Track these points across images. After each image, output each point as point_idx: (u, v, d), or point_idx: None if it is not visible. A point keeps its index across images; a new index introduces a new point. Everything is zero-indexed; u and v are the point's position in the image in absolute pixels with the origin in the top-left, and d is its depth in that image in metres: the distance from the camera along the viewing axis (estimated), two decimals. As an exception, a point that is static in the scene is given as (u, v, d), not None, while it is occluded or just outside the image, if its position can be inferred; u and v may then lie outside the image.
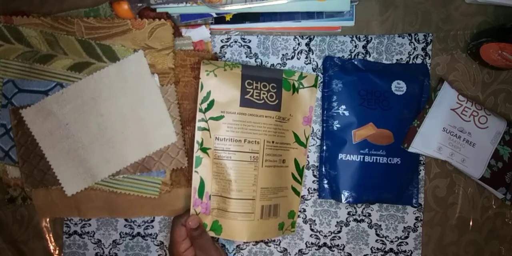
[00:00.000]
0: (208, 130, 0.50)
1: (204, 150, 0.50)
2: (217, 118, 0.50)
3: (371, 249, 0.57)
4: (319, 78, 0.55)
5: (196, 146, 0.50)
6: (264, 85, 0.51)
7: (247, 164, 0.51)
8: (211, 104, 0.50)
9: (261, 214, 0.51)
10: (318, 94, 0.56)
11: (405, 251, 0.57)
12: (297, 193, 0.55)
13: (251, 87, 0.51)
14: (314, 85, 0.54)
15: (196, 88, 0.52)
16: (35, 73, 0.52)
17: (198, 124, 0.50)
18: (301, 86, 0.54)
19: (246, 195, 0.51)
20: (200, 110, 0.50)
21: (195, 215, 0.50)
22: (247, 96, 0.51)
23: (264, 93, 0.51)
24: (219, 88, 0.50)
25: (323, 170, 0.56)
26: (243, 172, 0.51)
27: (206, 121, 0.50)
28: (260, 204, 0.51)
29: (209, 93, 0.50)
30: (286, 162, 0.54)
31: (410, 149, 0.54)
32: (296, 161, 0.55)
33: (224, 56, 0.56)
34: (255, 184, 0.51)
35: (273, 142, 0.52)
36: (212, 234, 0.50)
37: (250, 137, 0.51)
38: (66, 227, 0.57)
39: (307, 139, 0.55)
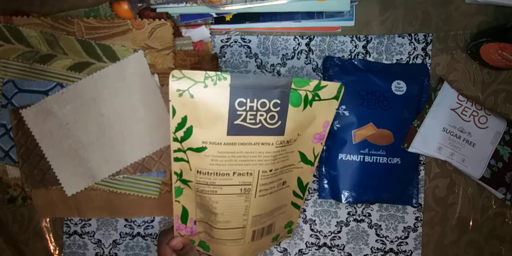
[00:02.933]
0: (188, 161, 0.40)
1: (184, 181, 0.42)
2: (197, 150, 0.39)
3: (371, 249, 0.57)
4: (343, 87, 0.42)
5: (174, 177, 0.42)
6: (263, 103, 0.39)
7: (237, 196, 0.43)
8: (188, 133, 0.39)
9: (252, 238, 0.46)
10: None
11: (405, 251, 0.57)
12: (297, 206, 0.50)
13: (243, 108, 0.38)
14: (336, 97, 0.42)
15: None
16: (35, 73, 0.52)
17: (174, 154, 0.40)
18: (316, 98, 0.41)
19: (235, 224, 0.44)
20: (175, 139, 0.39)
21: (178, 237, 0.46)
22: (238, 122, 0.39)
23: (261, 115, 0.39)
24: (198, 112, 0.38)
25: (323, 170, 0.56)
26: (232, 204, 0.43)
27: (184, 152, 0.40)
28: (252, 229, 0.46)
29: (185, 119, 0.38)
30: (286, 183, 0.47)
31: (410, 149, 0.54)
32: (299, 179, 0.48)
33: (224, 56, 0.56)
34: (246, 214, 0.44)
35: (270, 170, 0.42)
36: (200, 249, 0.48)
37: (240, 169, 0.41)
38: (66, 227, 0.57)
39: (316, 157, 0.46)
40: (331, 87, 0.41)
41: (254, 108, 0.39)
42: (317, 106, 0.42)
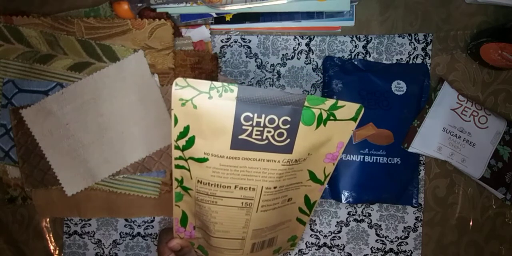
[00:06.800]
0: (189, 170, 0.39)
1: (184, 188, 0.41)
2: (199, 160, 0.38)
3: (371, 249, 0.57)
4: (363, 109, 0.38)
5: (175, 183, 0.41)
6: (271, 119, 0.36)
7: (237, 209, 0.41)
8: (190, 143, 0.37)
9: (251, 250, 0.45)
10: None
11: (405, 251, 0.57)
12: (303, 222, 0.47)
13: (249, 123, 0.36)
14: (353, 119, 0.39)
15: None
16: (35, 73, 0.52)
17: (175, 161, 0.39)
18: (331, 118, 0.38)
19: (234, 235, 0.43)
20: (177, 147, 0.38)
21: (177, 239, 0.46)
22: (243, 137, 0.36)
23: (269, 131, 0.36)
24: (201, 123, 0.36)
25: (323, 170, 0.56)
26: (232, 216, 0.42)
27: (186, 160, 0.39)
28: (251, 242, 0.44)
29: (187, 129, 0.36)
30: (292, 200, 0.44)
31: (410, 149, 0.54)
32: (306, 196, 0.45)
33: (224, 56, 0.56)
34: (245, 227, 0.42)
35: (275, 187, 0.40)
36: (199, 251, 0.48)
37: (243, 183, 0.39)
38: (66, 227, 0.57)
39: (326, 176, 0.43)
40: (350, 108, 0.38)
41: (261, 124, 0.36)
42: (332, 126, 0.38)
